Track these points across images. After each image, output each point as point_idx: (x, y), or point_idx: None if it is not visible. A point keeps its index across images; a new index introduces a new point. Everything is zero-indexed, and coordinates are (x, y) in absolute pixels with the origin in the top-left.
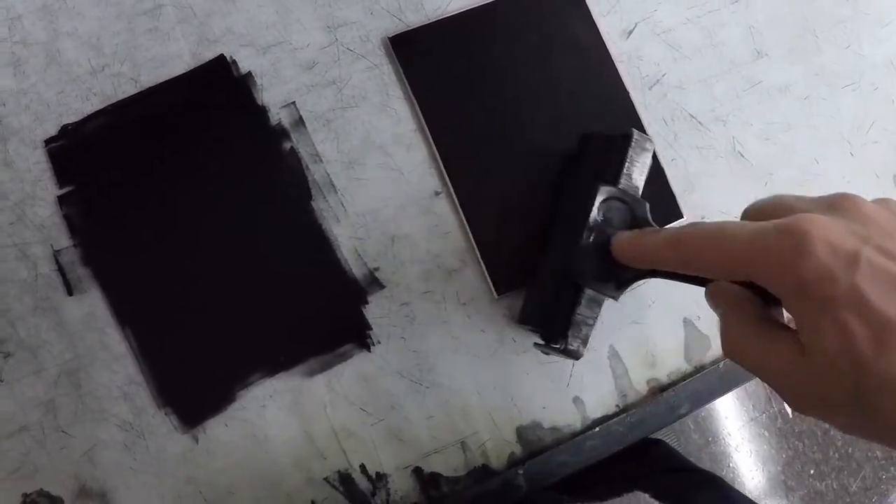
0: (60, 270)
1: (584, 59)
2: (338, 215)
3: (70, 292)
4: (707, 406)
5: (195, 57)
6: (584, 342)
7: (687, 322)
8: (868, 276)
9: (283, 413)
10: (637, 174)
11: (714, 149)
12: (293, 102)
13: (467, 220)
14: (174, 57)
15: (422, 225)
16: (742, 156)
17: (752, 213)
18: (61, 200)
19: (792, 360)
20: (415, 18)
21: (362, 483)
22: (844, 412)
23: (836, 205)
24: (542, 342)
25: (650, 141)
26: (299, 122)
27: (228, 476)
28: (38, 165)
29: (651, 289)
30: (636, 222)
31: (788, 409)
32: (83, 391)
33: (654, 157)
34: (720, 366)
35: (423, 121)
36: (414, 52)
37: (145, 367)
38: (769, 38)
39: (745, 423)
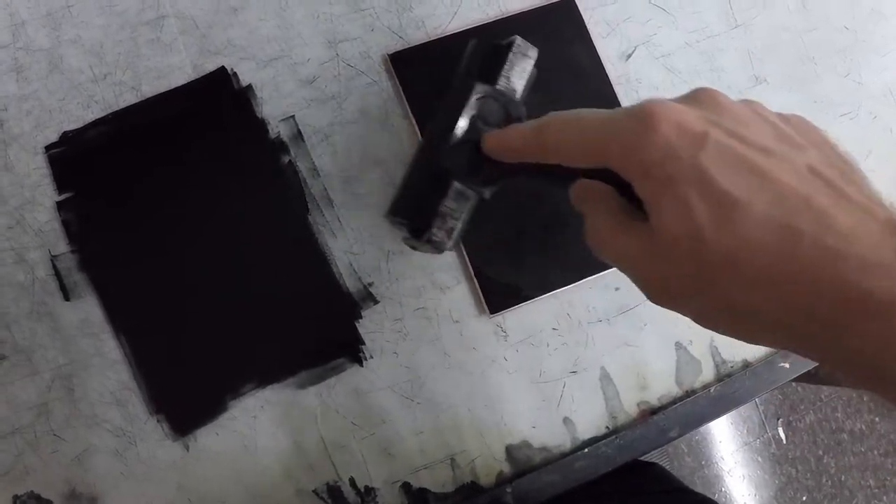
0: (57, 275)
1: (582, 80)
2: (334, 230)
3: (66, 297)
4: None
5: (196, 68)
6: (449, 235)
7: (679, 346)
8: (713, 156)
9: (273, 424)
10: (516, 78)
11: None
12: (292, 116)
13: (462, 238)
14: (175, 68)
15: None
16: None
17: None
18: (60, 206)
19: (642, 246)
20: (415, 36)
21: (351, 496)
22: (690, 294)
23: (695, 96)
24: (409, 237)
25: (534, 49)
26: (298, 136)
27: (218, 485)
28: (37, 171)
29: (644, 312)
30: (511, 122)
31: (782, 434)
32: (76, 396)
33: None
34: (711, 390)
35: (420, 138)
36: (414, 69)
37: (139, 373)
38: (768, 65)
39: (738, 447)
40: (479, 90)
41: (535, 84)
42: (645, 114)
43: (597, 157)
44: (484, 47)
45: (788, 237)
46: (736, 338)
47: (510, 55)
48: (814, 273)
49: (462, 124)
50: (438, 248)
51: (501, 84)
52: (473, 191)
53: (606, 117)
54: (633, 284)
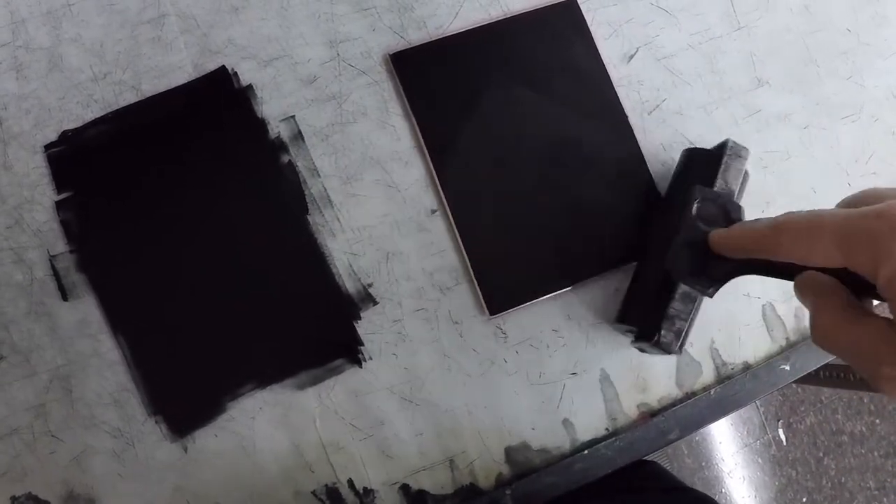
0: (56, 276)
1: (583, 82)
2: (333, 230)
3: (65, 298)
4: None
5: (197, 68)
6: (678, 337)
7: None
8: None
9: (272, 425)
10: (732, 179)
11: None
12: (293, 116)
13: (462, 239)
14: (176, 67)
15: (417, 242)
16: None
17: (846, 203)
18: (59, 206)
19: (884, 341)
20: (417, 36)
21: (349, 498)
22: None
23: None
24: (637, 340)
25: (745, 150)
26: (298, 136)
27: (216, 486)
28: (37, 170)
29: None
30: (730, 223)
31: (782, 436)
32: (74, 396)
33: (651, 180)
34: (711, 392)
35: (421, 139)
36: (414, 69)
37: (137, 374)
38: (770, 67)
39: (738, 448)
40: (699, 193)
41: (536, 85)
42: (893, 217)
43: (839, 256)
44: (696, 154)
45: None
46: None
47: (725, 157)
48: None
49: (684, 228)
50: (667, 350)
51: (718, 186)
52: (698, 291)
53: (850, 221)
54: (863, 376)
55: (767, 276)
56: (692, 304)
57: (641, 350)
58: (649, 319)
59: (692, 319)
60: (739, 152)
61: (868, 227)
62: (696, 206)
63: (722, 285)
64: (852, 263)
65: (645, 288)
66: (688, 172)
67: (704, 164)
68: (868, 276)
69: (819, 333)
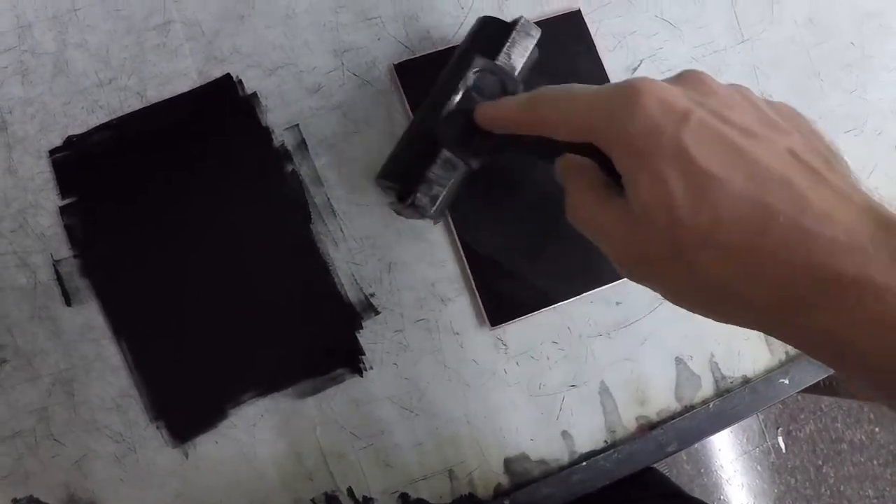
0: (59, 280)
1: None
2: (336, 239)
3: (68, 302)
4: None
5: (202, 75)
6: (433, 201)
7: (679, 361)
8: (694, 133)
9: (273, 433)
10: (517, 56)
11: None
12: (297, 125)
13: (463, 250)
14: (181, 74)
15: (419, 253)
16: None
17: None
18: (63, 211)
19: (619, 219)
20: (421, 46)
21: None
22: (663, 269)
23: (683, 77)
24: (396, 201)
25: (537, 29)
26: (302, 144)
27: (216, 493)
28: (41, 175)
29: (645, 327)
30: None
31: (781, 444)
32: (77, 401)
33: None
34: (710, 406)
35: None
36: (419, 79)
37: (139, 380)
38: (774, 80)
39: (737, 455)
40: (478, 63)
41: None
42: (630, 90)
43: (582, 130)
44: (489, 24)
45: (763, 215)
46: (708, 316)
47: (513, 33)
48: (787, 251)
49: (457, 95)
50: (422, 214)
51: (501, 60)
52: (462, 160)
53: (595, 92)
54: (612, 262)
55: (529, 154)
56: (453, 173)
57: (398, 213)
58: (410, 180)
59: (451, 189)
60: (530, 30)
61: (608, 97)
62: (473, 75)
63: (485, 160)
64: (594, 135)
65: (410, 147)
66: (475, 40)
67: (494, 36)
68: (606, 150)
69: (569, 213)
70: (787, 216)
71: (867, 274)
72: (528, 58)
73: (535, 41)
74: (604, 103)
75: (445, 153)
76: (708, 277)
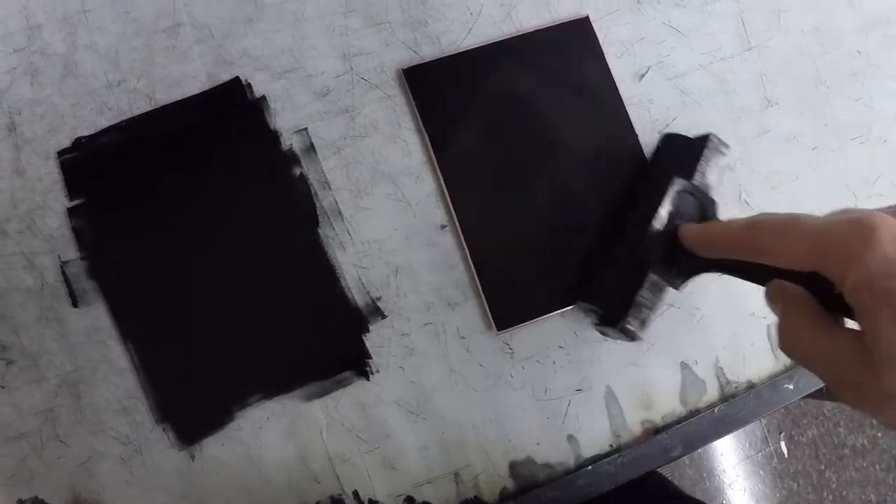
0: (66, 282)
1: (594, 99)
2: (343, 243)
3: (75, 304)
4: None
5: (211, 78)
6: (642, 325)
7: (684, 366)
8: None
9: (279, 436)
10: (711, 174)
11: (720, 195)
12: (305, 128)
13: (471, 255)
14: (190, 76)
15: (426, 257)
16: (748, 204)
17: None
18: (71, 212)
19: (849, 352)
20: (430, 51)
21: None
22: (891, 406)
23: None
24: (601, 323)
25: (727, 146)
26: (310, 148)
27: (222, 495)
28: (49, 176)
29: (650, 332)
30: (705, 218)
31: (784, 448)
32: (83, 402)
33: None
34: (715, 410)
35: (432, 153)
36: (427, 84)
37: (146, 382)
38: (780, 88)
39: (740, 460)
40: (678, 185)
41: (548, 102)
42: (868, 225)
43: (811, 260)
44: (674, 139)
45: None
46: None
47: (706, 151)
48: None
49: (661, 217)
50: (631, 337)
51: (697, 179)
52: (667, 282)
53: (825, 222)
54: (823, 382)
55: (736, 276)
56: (660, 294)
57: (602, 333)
58: (616, 304)
59: (656, 309)
60: (721, 148)
61: (841, 230)
62: (673, 197)
63: (690, 279)
64: (822, 267)
65: (613, 270)
66: (665, 159)
67: (683, 153)
68: (836, 282)
69: (787, 339)
70: None
71: None
72: (721, 175)
73: (726, 159)
74: (837, 238)
75: (653, 276)
76: None
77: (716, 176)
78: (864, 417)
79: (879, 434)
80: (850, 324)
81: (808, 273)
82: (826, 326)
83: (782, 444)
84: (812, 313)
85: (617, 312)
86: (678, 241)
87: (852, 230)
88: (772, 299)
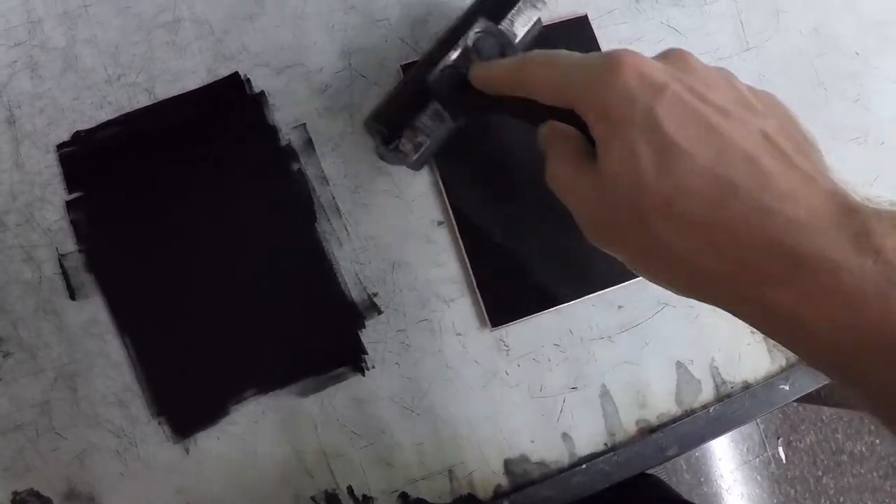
0: (64, 275)
1: None
2: (340, 239)
3: (73, 297)
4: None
5: (210, 73)
6: (416, 149)
7: (680, 365)
8: (668, 106)
9: (274, 430)
10: (519, 25)
11: None
12: (304, 124)
13: (466, 252)
14: (189, 71)
15: (422, 253)
16: None
17: None
18: (69, 206)
19: (591, 185)
20: (429, 49)
21: None
22: (627, 236)
23: (668, 54)
24: (381, 144)
25: (543, 3)
26: (308, 143)
27: (217, 489)
28: (48, 169)
29: (647, 331)
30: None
31: (782, 454)
32: (79, 395)
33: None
34: (710, 410)
35: None
36: None
37: (142, 375)
38: (778, 88)
39: (737, 465)
40: (480, 25)
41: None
42: (613, 60)
43: (563, 95)
44: None
45: (725, 189)
46: (669, 287)
47: (520, 2)
48: (746, 225)
49: (456, 52)
50: (404, 161)
51: (504, 26)
52: (450, 115)
53: (579, 59)
54: (580, 228)
55: (516, 117)
56: (440, 125)
57: (381, 157)
58: (397, 125)
59: (435, 141)
60: (536, 2)
61: (591, 64)
62: (474, 35)
63: (471, 118)
64: (573, 99)
65: (402, 95)
66: (482, 4)
67: (502, 3)
68: (583, 115)
69: (548, 177)
70: (747, 192)
71: (825, 253)
72: (532, 28)
73: (539, 13)
74: (586, 70)
75: (435, 105)
76: (668, 246)
77: (524, 27)
78: (862, 424)
79: (877, 441)
80: None
81: (574, 112)
82: (584, 162)
83: (780, 449)
84: (574, 150)
85: (394, 133)
86: (469, 78)
87: (600, 64)
88: (542, 136)
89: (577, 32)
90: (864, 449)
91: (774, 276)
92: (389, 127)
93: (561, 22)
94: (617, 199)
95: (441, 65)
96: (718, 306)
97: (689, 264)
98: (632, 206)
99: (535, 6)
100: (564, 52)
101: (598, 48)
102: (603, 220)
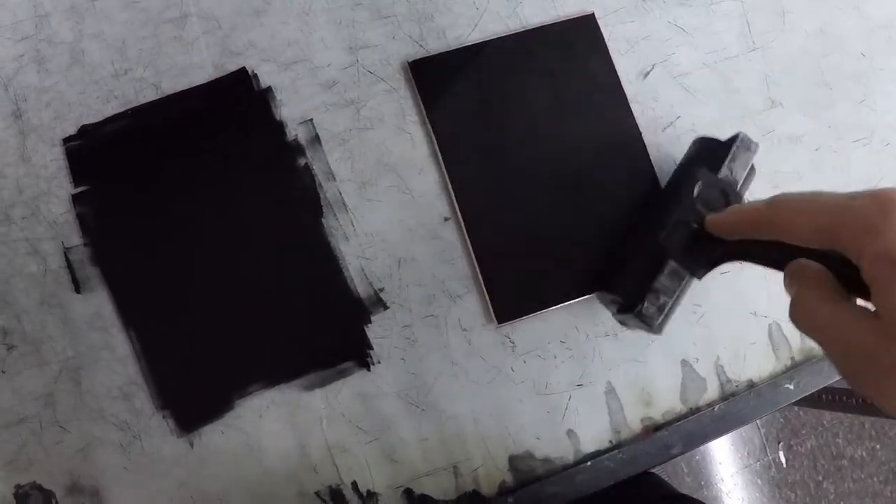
0: (70, 268)
1: (599, 95)
2: (347, 234)
3: (78, 290)
4: (701, 450)
5: (217, 68)
6: (660, 311)
7: (685, 363)
8: None
9: (279, 425)
10: (738, 169)
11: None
12: (310, 120)
13: (473, 248)
14: (196, 66)
15: (428, 249)
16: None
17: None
18: (75, 199)
19: (861, 322)
20: (436, 45)
21: (353, 500)
22: None
23: None
24: (620, 311)
25: (755, 144)
26: (315, 139)
27: (220, 483)
28: (55, 163)
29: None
30: (718, 206)
31: (782, 458)
32: (83, 388)
33: (662, 196)
34: (715, 409)
35: (436, 146)
36: (432, 78)
37: (146, 369)
38: (784, 88)
39: (738, 469)
40: (702, 176)
41: (552, 98)
42: (885, 199)
43: (830, 237)
44: (707, 142)
45: None
46: None
47: (734, 147)
48: None
49: (683, 207)
50: (648, 325)
51: (723, 174)
52: (686, 270)
53: (845, 197)
54: (829, 358)
55: (756, 262)
56: (679, 283)
57: (622, 323)
58: (635, 291)
59: (676, 300)
60: (749, 145)
61: (861, 205)
62: (697, 188)
63: (711, 269)
64: (841, 241)
65: (635, 260)
66: (696, 159)
67: (713, 152)
68: (854, 257)
69: (800, 309)
70: None
71: None
72: (748, 171)
73: (754, 155)
74: (856, 212)
75: (672, 264)
76: None
77: (743, 171)
78: (863, 429)
79: (878, 446)
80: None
81: (827, 253)
82: (841, 299)
83: (781, 453)
84: (829, 286)
85: (635, 299)
86: (701, 232)
87: (871, 204)
88: (791, 275)
89: (583, 30)
90: (864, 454)
91: None
92: (630, 297)
93: (568, 20)
94: None
95: (670, 222)
96: None
97: None
98: None
99: (748, 149)
100: (822, 192)
101: (604, 46)
102: (882, 363)
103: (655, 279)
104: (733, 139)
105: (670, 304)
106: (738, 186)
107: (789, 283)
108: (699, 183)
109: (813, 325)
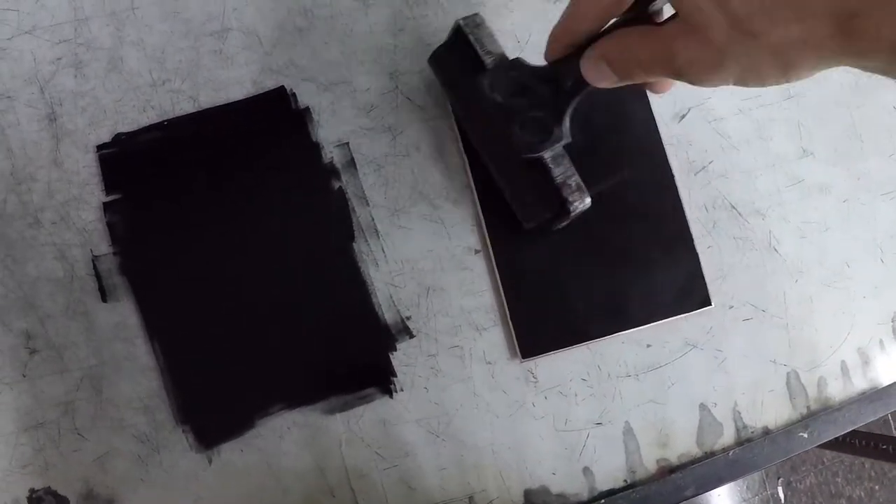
0: (97, 276)
1: (634, 137)
2: (377, 260)
3: (104, 299)
4: None
5: (256, 84)
6: (580, 189)
7: (703, 407)
8: None
9: (298, 446)
10: (491, 44)
11: (750, 241)
12: (347, 143)
13: (501, 282)
14: (235, 82)
15: (457, 280)
16: (776, 251)
17: None
18: (106, 207)
19: (677, 37)
20: None
21: None
22: (728, 57)
23: None
24: (547, 225)
25: (478, 14)
26: (351, 163)
27: (237, 501)
28: (87, 169)
29: (673, 372)
30: (517, 71)
31: (781, 494)
32: (104, 397)
33: (691, 239)
34: (730, 454)
35: (471, 178)
36: None
37: (169, 382)
38: (816, 138)
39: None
40: (487, 75)
41: (590, 137)
42: None
43: None
44: (441, 58)
45: None
46: (786, 71)
47: (469, 37)
48: None
49: (501, 110)
50: (584, 208)
51: (488, 61)
52: (557, 141)
53: None
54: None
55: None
56: (565, 159)
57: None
58: (550, 201)
59: (575, 168)
60: (475, 20)
61: None
62: (490, 86)
63: (568, 115)
64: None
65: (520, 183)
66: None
67: (460, 54)
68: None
69: (617, 53)
70: None
71: None
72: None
73: (485, 21)
74: None
75: (545, 155)
76: (768, 35)
77: (494, 41)
78: (863, 469)
79: (877, 487)
80: None
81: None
82: (656, 32)
83: (780, 489)
84: (641, 32)
85: (558, 207)
86: (528, 107)
87: None
88: (596, 46)
89: None
90: (863, 494)
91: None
92: (556, 211)
93: None
94: (710, 25)
95: (512, 132)
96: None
97: (795, 35)
98: (725, 25)
99: (476, 23)
100: None
101: (644, 94)
102: (702, 57)
103: (553, 178)
104: (458, 29)
105: (576, 176)
106: (504, 52)
107: (596, 52)
108: (488, 83)
109: (631, 58)
